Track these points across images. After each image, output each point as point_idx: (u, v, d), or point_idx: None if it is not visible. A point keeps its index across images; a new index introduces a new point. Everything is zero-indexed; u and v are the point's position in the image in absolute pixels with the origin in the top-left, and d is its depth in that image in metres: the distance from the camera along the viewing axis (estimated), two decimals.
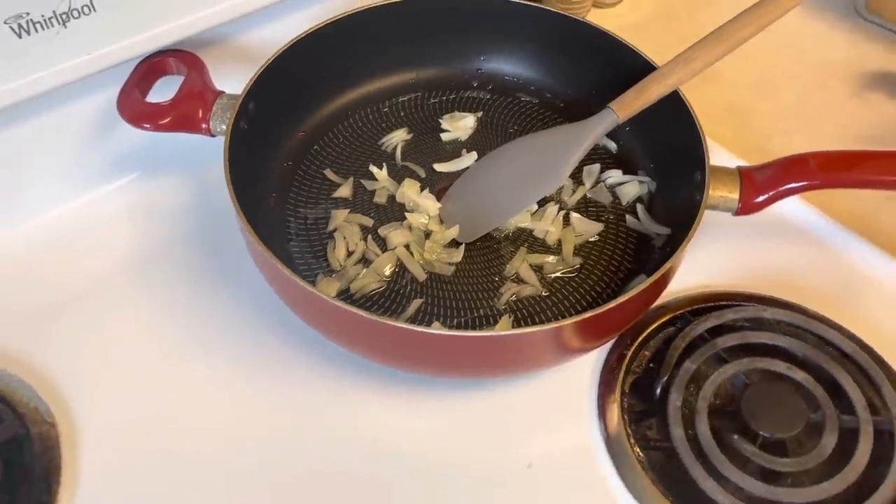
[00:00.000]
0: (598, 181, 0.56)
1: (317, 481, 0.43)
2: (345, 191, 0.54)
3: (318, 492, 0.42)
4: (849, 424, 0.43)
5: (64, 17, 0.45)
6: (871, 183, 0.46)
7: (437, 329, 0.43)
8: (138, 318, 0.49)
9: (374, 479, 0.43)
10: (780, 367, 0.46)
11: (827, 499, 0.41)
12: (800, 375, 0.45)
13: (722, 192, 0.47)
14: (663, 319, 0.49)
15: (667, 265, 0.42)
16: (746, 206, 0.47)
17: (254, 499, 0.42)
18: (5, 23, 0.43)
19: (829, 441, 0.43)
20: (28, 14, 0.44)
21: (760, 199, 0.47)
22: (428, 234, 0.52)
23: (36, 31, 0.44)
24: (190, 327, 0.49)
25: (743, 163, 0.50)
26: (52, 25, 0.45)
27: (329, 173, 0.55)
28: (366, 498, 0.42)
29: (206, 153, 0.54)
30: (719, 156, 0.58)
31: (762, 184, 0.47)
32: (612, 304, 0.40)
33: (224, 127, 0.49)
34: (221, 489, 0.42)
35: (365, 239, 0.51)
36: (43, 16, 0.44)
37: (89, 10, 0.46)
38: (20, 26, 0.44)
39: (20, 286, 0.50)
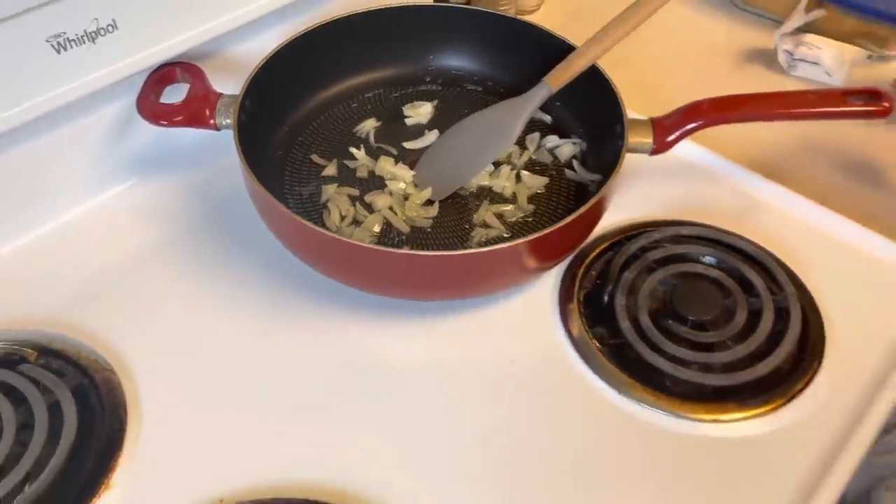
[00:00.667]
0: (539, 146, 0.67)
1: (329, 398, 0.52)
2: (331, 170, 0.64)
3: (332, 406, 0.52)
4: (754, 305, 0.55)
5: (93, 34, 0.54)
6: (749, 117, 0.59)
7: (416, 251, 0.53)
8: (169, 286, 0.58)
9: (383, 392, 0.52)
10: (698, 268, 0.58)
11: (741, 357, 0.52)
12: (714, 273, 0.57)
13: (638, 138, 0.59)
14: (603, 245, 0.61)
15: (598, 195, 0.54)
16: (659, 146, 0.59)
17: (280, 411, 0.51)
18: (47, 41, 0.52)
19: (741, 318, 0.55)
20: (65, 33, 0.53)
21: (669, 139, 0.59)
22: (406, 197, 0.62)
23: (71, 47, 0.53)
24: (212, 285, 0.58)
25: None
26: (84, 42, 0.54)
27: (315, 157, 0.65)
28: (378, 408, 0.52)
29: (203, 154, 0.64)
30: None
31: (669, 126, 0.59)
32: (554, 227, 0.51)
33: (229, 121, 0.59)
34: (252, 405, 0.51)
35: (354, 205, 0.61)
36: (77, 34, 0.53)
37: (113, 28, 0.55)
38: (59, 44, 0.53)
39: (66, 268, 0.58)
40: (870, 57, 0.79)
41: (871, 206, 0.66)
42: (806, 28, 0.82)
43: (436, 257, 0.51)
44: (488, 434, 0.50)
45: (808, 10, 0.80)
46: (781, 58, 0.81)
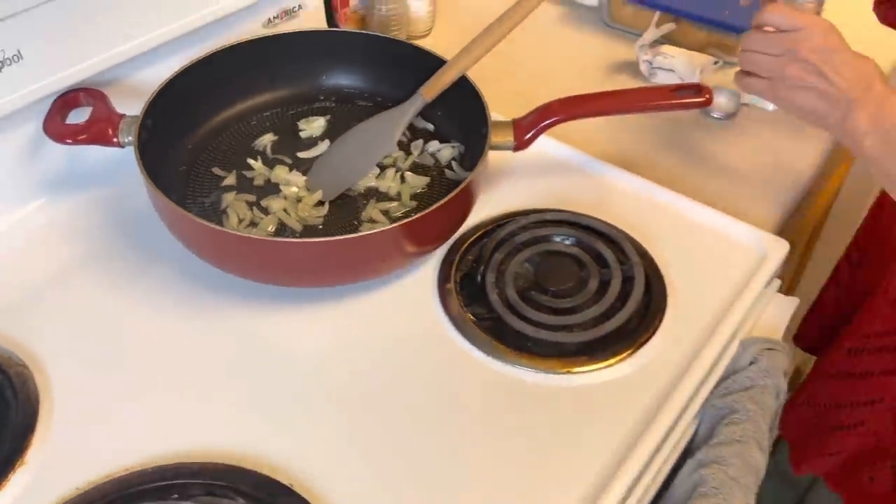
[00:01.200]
0: (423, 150, 0.75)
1: (228, 378, 0.58)
2: (230, 180, 0.71)
3: (230, 384, 0.57)
4: (605, 275, 0.63)
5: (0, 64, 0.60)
6: (594, 112, 0.68)
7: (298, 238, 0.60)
8: (81, 292, 0.63)
9: (281, 366, 0.58)
10: (558, 247, 0.66)
11: (592, 318, 0.60)
12: (573, 250, 0.65)
13: (501, 137, 0.67)
14: (479, 233, 0.68)
15: (460, 186, 0.61)
16: (520, 143, 0.68)
17: (183, 394, 0.56)
18: None
19: (593, 285, 0.63)
20: None
21: (527, 136, 0.67)
22: (299, 199, 0.69)
23: None
24: (120, 289, 0.63)
25: None
26: None
27: (216, 170, 0.71)
28: (275, 380, 0.57)
29: (113, 172, 0.70)
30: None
31: (527, 126, 0.67)
32: (422, 213, 0.59)
33: (131, 138, 0.65)
34: (157, 389, 0.56)
35: (251, 209, 0.68)
36: None
37: (18, 58, 0.61)
38: None
39: None
40: (716, 63, 0.90)
41: (704, 186, 0.76)
42: (664, 40, 0.92)
43: (317, 243, 0.58)
44: (373, 401, 0.56)
45: (659, 24, 0.90)
46: (643, 67, 0.91)
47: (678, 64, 0.88)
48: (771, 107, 0.85)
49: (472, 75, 0.71)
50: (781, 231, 0.74)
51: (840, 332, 0.77)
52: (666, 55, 0.89)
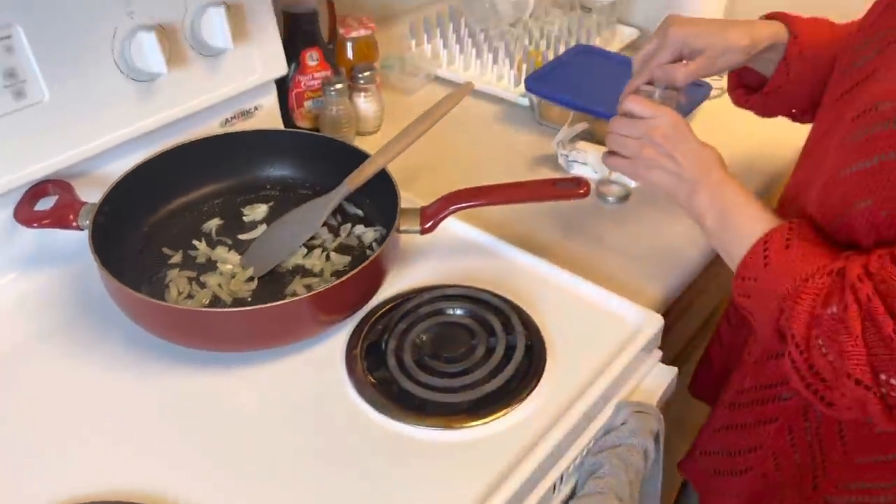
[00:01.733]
0: (350, 233, 0.85)
1: (149, 428, 0.66)
2: (177, 258, 0.81)
3: (150, 433, 0.66)
4: (491, 344, 0.72)
5: None
6: (489, 201, 0.77)
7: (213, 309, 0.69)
8: (32, 355, 0.72)
9: (198, 419, 0.67)
10: (455, 318, 0.75)
11: (478, 380, 0.68)
12: (466, 321, 0.74)
13: (408, 224, 0.77)
14: (388, 307, 0.77)
15: (364, 263, 0.71)
16: (424, 229, 0.77)
17: (109, 441, 0.65)
18: None
19: (480, 352, 0.71)
20: None
21: (430, 223, 0.77)
22: (234, 276, 0.79)
23: None
24: (70, 355, 0.72)
25: None
26: None
27: (166, 250, 0.82)
28: (192, 431, 0.66)
29: (74, 255, 0.80)
30: None
31: (432, 213, 0.78)
32: (329, 287, 0.68)
33: (87, 222, 0.76)
34: (86, 438, 0.65)
35: (191, 284, 0.78)
36: None
37: None
38: None
39: None
40: None
41: (599, 265, 0.85)
42: (584, 135, 1.03)
43: (235, 312, 0.68)
44: (272, 447, 0.64)
45: (573, 122, 1.02)
46: (561, 161, 1.02)
47: (590, 158, 0.99)
48: (633, 184, 0.95)
49: (416, 163, 0.82)
50: (674, 304, 0.83)
51: (724, 386, 0.84)
52: (580, 151, 1.00)
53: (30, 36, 0.73)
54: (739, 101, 0.87)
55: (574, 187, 0.76)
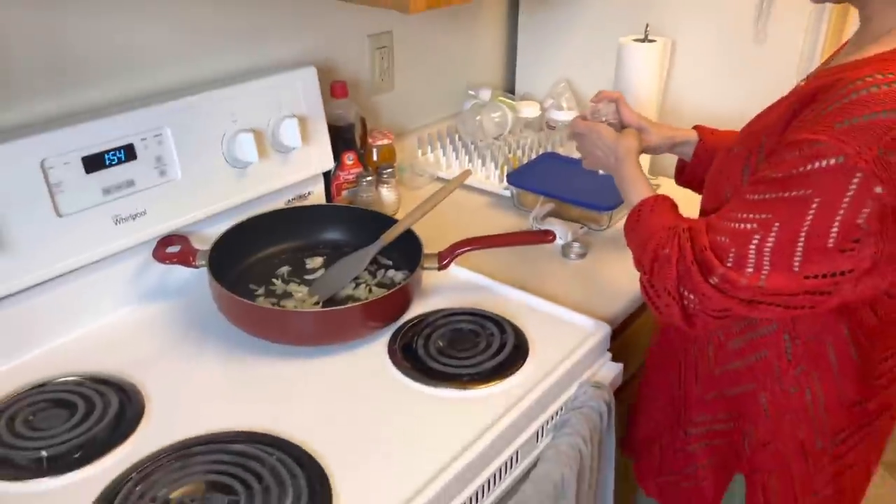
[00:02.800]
0: (384, 276, 1.17)
1: (256, 392, 0.95)
2: (261, 291, 1.12)
3: (263, 392, 0.95)
4: (491, 341, 1.03)
5: (134, 216, 1.04)
6: (486, 245, 1.11)
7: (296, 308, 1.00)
8: (168, 357, 1.02)
9: (297, 386, 0.96)
10: (464, 327, 1.06)
11: (480, 361, 0.99)
12: (473, 327, 1.05)
13: (429, 262, 1.10)
14: (416, 321, 1.08)
15: (396, 288, 1.03)
16: (441, 266, 1.10)
17: (228, 399, 0.94)
18: (111, 218, 1.02)
19: (482, 345, 1.02)
20: (119, 214, 1.02)
21: (445, 261, 1.10)
22: (304, 301, 1.10)
23: (123, 222, 1.03)
24: (195, 354, 1.02)
25: None
26: (129, 220, 1.04)
27: (252, 286, 1.13)
28: (291, 395, 0.95)
29: (186, 290, 1.12)
30: None
31: (445, 255, 1.11)
32: (372, 299, 1.00)
33: (204, 261, 1.07)
34: (219, 393, 0.94)
35: (273, 307, 1.09)
36: (126, 215, 1.03)
37: (143, 214, 1.05)
38: (117, 219, 1.02)
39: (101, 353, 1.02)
40: (582, 228, 1.35)
41: (559, 295, 1.17)
42: (548, 214, 1.38)
43: (311, 312, 0.99)
44: (343, 404, 0.94)
45: (543, 204, 1.37)
46: None
47: (558, 231, 1.34)
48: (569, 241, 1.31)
49: (429, 235, 1.15)
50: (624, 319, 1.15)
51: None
52: (549, 224, 1.35)
53: (174, 134, 1.09)
54: (678, 182, 1.23)
55: (544, 235, 1.11)
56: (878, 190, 0.73)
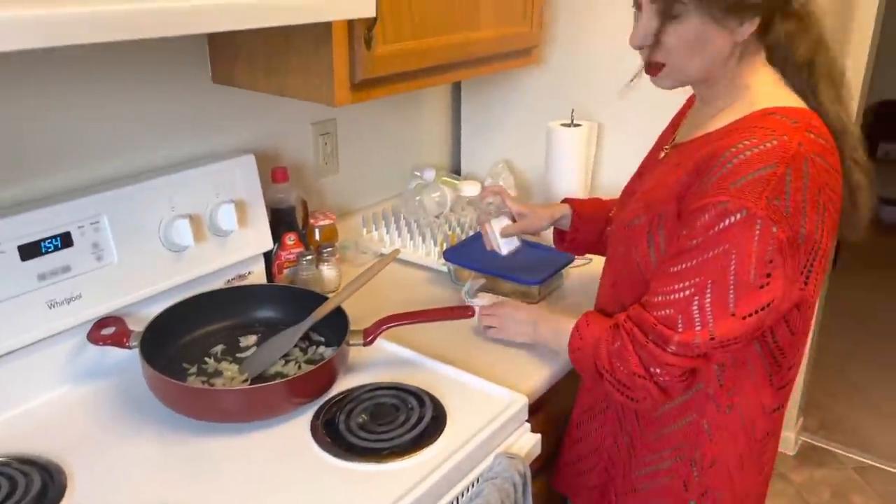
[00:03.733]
0: (315, 352, 1.22)
1: (167, 482, 0.99)
2: (193, 370, 1.17)
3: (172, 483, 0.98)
4: (410, 414, 1.07)
5: (68, 300, 1.09)
6: (409, 321, 1.16)
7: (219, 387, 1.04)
8: (98, 437, 1.05)
9: (207, 471, 0.99)
10: (387, 401, 1.10)
11: (400, 433, 1.03)
12: (394, 402, 1.10)
13: (355, 339, 1.15)
14: (340, 396, 1.12)
15: (322, 362, 1.08)
16: (366, 342, 1.15)
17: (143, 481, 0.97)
18: (45, 302, 1.07)
19: (401, 419, 1.06)
20: (55, 299, 1.07)
21: (370, 338, 1.15)
22: (233, 378, 1.14)
23: (58, 306, 1.08)
24: (125, 434, 1.06)
25: None
26: (63, 305, 1.08)
27: (185, 364, 1.18)
28: (201, 479, 0.98)
29: (122, 370, 1.16)
30: None
31: (370, 331, 1.16)
32: (296, 375, 1.05)
33: (137, 343, 1.12)
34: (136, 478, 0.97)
35: (203, 385, 1.13)
36: (61, 299, 1.08)
37: (79, 298, 1.10)
38: (51, 304, 1.07)
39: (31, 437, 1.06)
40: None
41: (482, 366, 1.22)
42: (481, 289, 1.45)
43: (236, 390, 1.03)
44: (262, 479, 0.97)
45: (475, 279, 1.44)
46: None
47: (487, 302, 1.40)
48: None
49: (367, 309, 1.21)
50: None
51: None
52: (480, 297, 1.41)
53: (111, 221, 1.15)
54: (560, 248, 1.40)
55: (464, 311, 1.17)
56: (774, 230, 0.88)
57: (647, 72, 1.01)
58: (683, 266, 0.93)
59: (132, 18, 0.75)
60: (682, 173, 0.97)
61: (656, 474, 1.10)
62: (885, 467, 2.51)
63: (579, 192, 1.66)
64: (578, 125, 1.60)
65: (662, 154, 1.10)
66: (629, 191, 1.19)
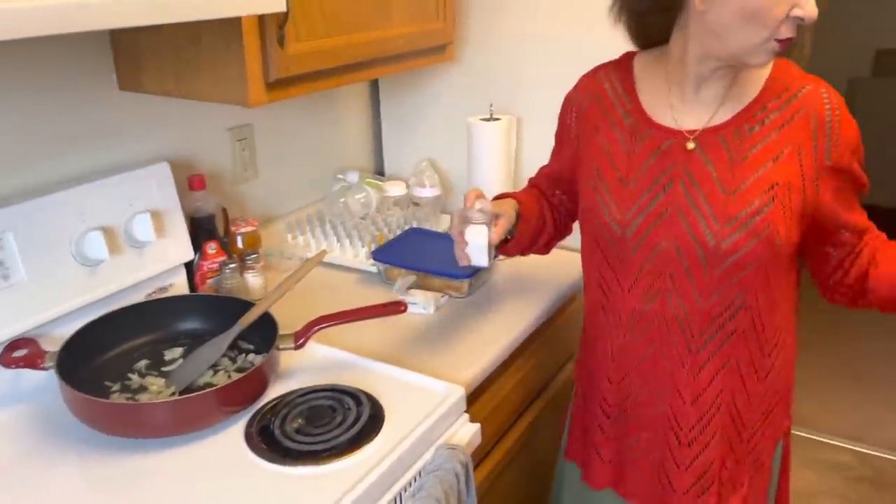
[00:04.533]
0: (245, 360, 1.18)
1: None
2: (116, 388, 1.11)
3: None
4: (347, 415, 1.05)
5: None
6: (341, 321, 1.14)
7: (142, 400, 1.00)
8: (19, 464, 0.99)
9: (136, 487, 0.95)
10: (323, 402, 1.08)
11: (337, 434, 1.01)
12: (330, 403, 1.08)
13: (286, 343, 1.13)
14: (274, 402, 1.10)
15: (251, 369, 1.05)
16: (297, 345, 1.13)
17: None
18: None
19: (338, 419, 1.04)
20: None
21: (301, 341, 1.13)
22: (160, 393, 1.10)
23: None
24: (48, 458, 1.00)
25: None
26: None
27: (107, 383, 1.12)
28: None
29: (40, 393, 1.10)
30: None
31: (300, 334, 1.13)
32: (225, 384, 1.01)
33: (52, 363, 1.06)
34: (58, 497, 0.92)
35: (128, 402, 1.08)
36: None
37: None
38: None
39: None
40: (443, 297, 1.41)
41: (427, 361, 1.21)
42: (412, 286, 1.44)
43: (164, 402, 0.99)
44: (200, 489, 0.93)
45: (405, 277, 1.43)
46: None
47: (420, 300, 1.39)
48: (431, 311, 1.36)
49: (298, 313, 1.18)
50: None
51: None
52: (412, 294, 1.40)
53: (17, 238, 1.09)
54: (513, 253, 1.25)
55: (396, 307, 1.16)
56: None
57: (786, 48, 0.96)
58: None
59: (6, 17, 0.70)
60: (787, 144, 1.00)
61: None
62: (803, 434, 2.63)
63: (505, 187, 1.67)
64: (497, 119, 1.61)
65: (692, 145, 1.03)
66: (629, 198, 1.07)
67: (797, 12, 0.91)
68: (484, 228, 1.10)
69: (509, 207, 1.18)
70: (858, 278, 1.07)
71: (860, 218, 1.07)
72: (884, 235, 1.09)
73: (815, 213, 1.03)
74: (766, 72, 1.03)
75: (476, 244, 1.10)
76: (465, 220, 1.10)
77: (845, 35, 4.00)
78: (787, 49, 0.95)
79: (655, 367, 1.11)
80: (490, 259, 1.12)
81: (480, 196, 1.12)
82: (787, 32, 0.93)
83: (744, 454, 1.13)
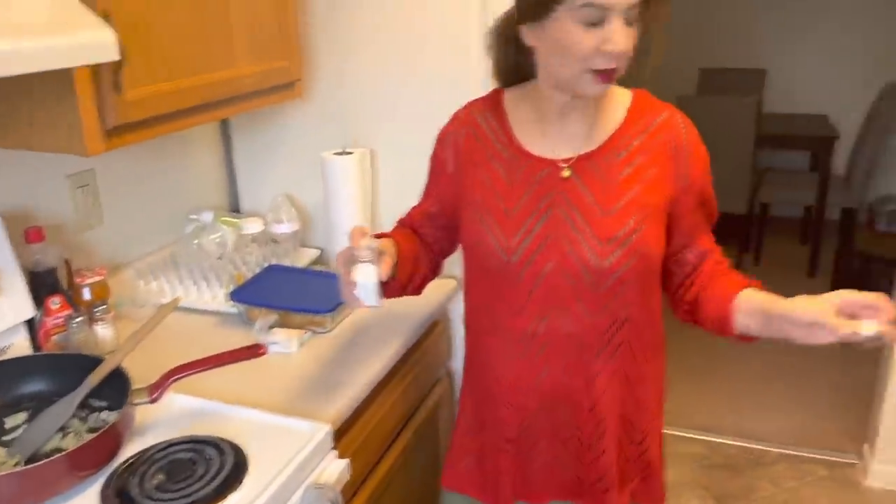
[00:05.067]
0: (97, 419, 1.13)
1: None
2: None
3: None
4: (209, 466, 1.03)
5: None
6: (195, 370, 1.12)
7: None
8: None
9: None
10: (182, 455, 1.05)
11: (199, 487, 0.99)
12: (190, 455, 1.05)
13: (140, 397, 1.09)
14: (131, 460, 1.06)
15: (101, 430, 1.01)
16: (153, 399, 1.09)
17: None
18: None
19: (200, 472, 1.02)
20: None
21: (156, 394, 1.10)
22: (3, 463, 1.03)
23: None
24: None
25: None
26: None
27: None
28: None
29: None
30: None
31: (156, 386, 1.10)
32: (74, 448, 0.97)
33: None
34: None
35: None
36: None
37: None
38: None
39: None
40: (306, 334, 1.41)
41: (291, 402, 1.21)
42: (274, 325, 1.43)
43: (3, 475, 0.93)
44: None
45: (266, 316, 1.42)
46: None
47: (282, 339, 1.39)
48: (294, 349, 1.37)
49: (153, 365, 1.14)
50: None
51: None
52: (274, 334, 1.39)
53: None
54: (396, 294, 1.19)
55: (255, 350, 1.15)
56: None
57: (607, 79, 1.02)
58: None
59: None
60: (652, 166, 1.09)
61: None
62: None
63: (363, 221, 1.70)
64: (350, 153, 1.64)
65: (567, 173, 1.10)
66: (508, 223, 1.11)
67: (608, 47, 0.99)
68: (372, 267, 1.04)
69: (390, 245, 1.13)
70: (695, 298, 1.17)
71: (706, 240, 1.18)
72: (727, 262, 1.18)
73: (671, 231, 1.14)
74: (626, 101, 1.13)
75: (365, 285, 1.04)
76: (352, 260, 1.05)
77: (672, 56, 4.36)
78: (611, 79, 1.03)
79: (554, 383, 1.15)
80: (380, 298, 1.06)
81: (366, 233, 1.06)
82: (601, 64, 1.01)
83: (635, 455, 1.23)
